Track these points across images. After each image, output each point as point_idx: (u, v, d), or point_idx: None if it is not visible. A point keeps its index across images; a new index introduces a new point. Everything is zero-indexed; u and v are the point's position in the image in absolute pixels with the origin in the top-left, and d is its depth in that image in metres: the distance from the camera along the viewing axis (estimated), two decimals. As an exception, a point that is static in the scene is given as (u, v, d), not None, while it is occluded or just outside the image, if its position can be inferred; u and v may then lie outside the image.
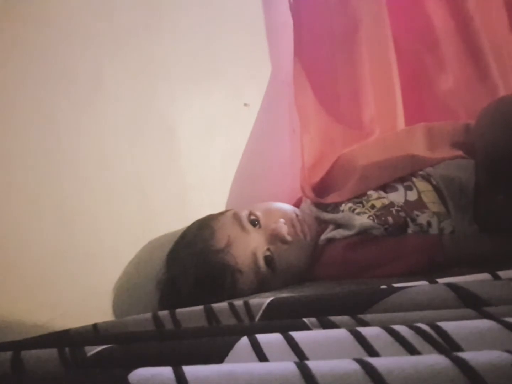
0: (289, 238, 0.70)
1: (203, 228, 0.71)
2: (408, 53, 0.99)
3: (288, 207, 0.77)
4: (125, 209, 0.70)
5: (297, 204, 0.88)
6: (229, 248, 0.67)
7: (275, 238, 0.70)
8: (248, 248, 0.68)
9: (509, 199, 0.63)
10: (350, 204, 0.75)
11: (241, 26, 0.96)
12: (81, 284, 0.63)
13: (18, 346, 0.39)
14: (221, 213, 0.75)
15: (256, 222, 0.71)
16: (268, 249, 0.69)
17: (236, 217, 0.71)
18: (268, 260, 0.69)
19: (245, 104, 0.94)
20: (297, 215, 0.74)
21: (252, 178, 0.93)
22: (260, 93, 0.97)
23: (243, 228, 0.70)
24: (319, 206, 0.80)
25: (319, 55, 0.98)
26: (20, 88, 0.60)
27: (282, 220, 0.71)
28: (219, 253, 0.67)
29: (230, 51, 0.92)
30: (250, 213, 0.72)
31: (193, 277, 0.67)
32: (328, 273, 0.71)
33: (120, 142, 0.72)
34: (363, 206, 0.73)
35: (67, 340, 0.41)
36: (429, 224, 0.69)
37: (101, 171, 0.68)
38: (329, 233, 0.74)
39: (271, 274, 0.69)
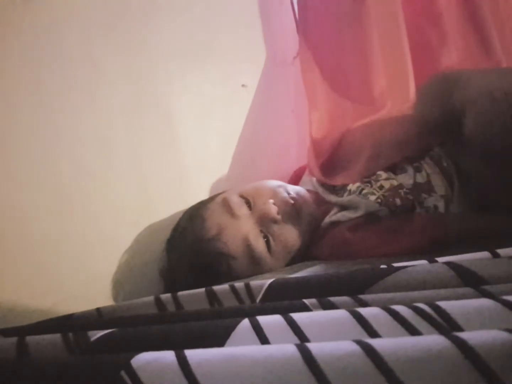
0: (279, 217, 0.69)
1: (194, 218, 0.71)
2: (410, 27, 0.96)
3: (278, 185, 0.75)
4: (124, 194, 0.70)
5: (294, 180, 0.86)
6: (220, 236, 0.67)
7: (265, 219, 0.69)
8: (239, 233, 0.67)
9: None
10: (358, 184, 0.74)
11: (237, 6, 0.94)
12: (83, 269, 0.64)
13: (23, 331, 0.39)
14: (211, 199, 0.74)
15: (247, 205, 0.70)
16: (261, 231, 0.69)
17: (225, 203, 0.70)
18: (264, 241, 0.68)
19: (243, 85, 0.92)
20: (288, 193, 0.73)
21: (250, 160, 0.93)
22: (258, 74, 0.96)
23: (232, 214, 0.69)
24: (325, 186, 0.79)
25: (326, 31, 0.94)
26: (16, 74, 0.60)
27: (271, 200, 0.70)
28: (210, 242, 0.66)
29: (226, 32, 0.91)
30: (240, 196, 0.71)
31: (188, 267, 0.67)
32: (330, 254, 0.71)
33: (117, 126, 0.71)
34: (371, 186, 0.72)
35: (70, 325, 0.41)
36: (435, 207, 0.68)
37: (99, 156, 0.68)
38: (333, 216, 0.73)
39: (268, 256, 0.69)
